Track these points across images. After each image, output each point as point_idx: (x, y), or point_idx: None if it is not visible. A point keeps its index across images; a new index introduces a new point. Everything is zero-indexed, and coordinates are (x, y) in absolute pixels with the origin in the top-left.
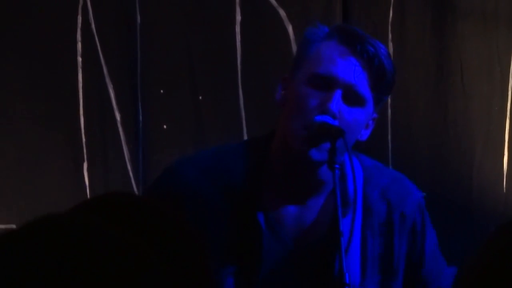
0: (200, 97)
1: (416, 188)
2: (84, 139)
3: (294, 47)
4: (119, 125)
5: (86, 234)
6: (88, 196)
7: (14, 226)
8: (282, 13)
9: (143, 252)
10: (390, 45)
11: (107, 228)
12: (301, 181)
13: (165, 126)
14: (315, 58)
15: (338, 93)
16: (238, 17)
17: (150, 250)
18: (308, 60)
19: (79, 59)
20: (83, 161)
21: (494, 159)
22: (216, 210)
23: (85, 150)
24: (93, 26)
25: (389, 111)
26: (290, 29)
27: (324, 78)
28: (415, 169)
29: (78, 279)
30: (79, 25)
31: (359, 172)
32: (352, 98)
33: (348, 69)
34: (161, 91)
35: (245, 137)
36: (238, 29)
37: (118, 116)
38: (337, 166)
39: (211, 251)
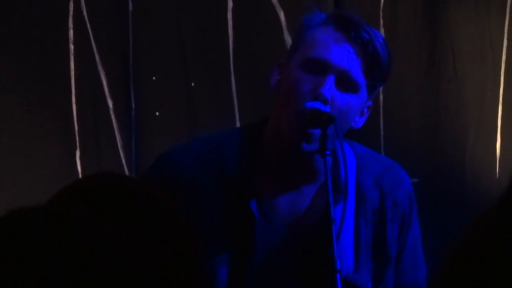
0: (193, 84)
1: (408, 177)
2: (76, 127)
3: (286, 34)
4: (111, 112)
5: (69, 226)
6: None
7: None
8: None
9: (125, 242)
10: (382, 31)
11: (91, 219)
12: (295, 168)
13: (157, 113)
14: (310, 43)
15: (331, 78)
16: (230, 4)
17: (134, 239)
18: (303, 45)
19: (71, 46)
20: (76, 148)
21: (487, 145)
22: (210, 198)
23: (77, 138)
24: (85, 13)
25: (381, 97)
26: (282, 15)
27: (317, 63)
28: (407, 155)
29: (58, 269)
30: (71, 12)
31: (352, 160)
32: (345, 83)
33: (341, 54)
34: (154, 78)
35: (238, 124)
36: (230, 15)
37: (110, 103)
38: (328, 152)
39: (205, 239)
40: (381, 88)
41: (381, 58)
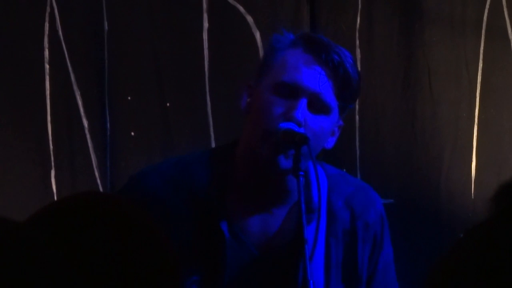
0: (168, 104)
1: (380, 199)
2: (51, 146)
3: (261, 54)
4: (86, 132)
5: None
6: None
7: None
8: (249, 19)
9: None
10: (358, 51)
11: (46, 248)
12: (266, 189)
13: (132, 133)
14: (281, 66)
15: (303, 102)
16: (206, 24)
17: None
18: (273, 68)
19: (47, 66)
20: (51, 168)
21: (462, 166)
22: (180, 219)
23: (52, 157)
24: (60, 33)
25: (357, 117)
26: (257, 35)
27: (289, 87)
28: (383, 176)
29: None
30: (46, 32)
31: (324, 180)
32: (317, 106)
33: (313, 77)
34: (129, 98)
35: (213, 144)
36: (205, 36)
37: (85, 123)
38: (301, 173)
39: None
40: (357, 109)
41: (351, 79)
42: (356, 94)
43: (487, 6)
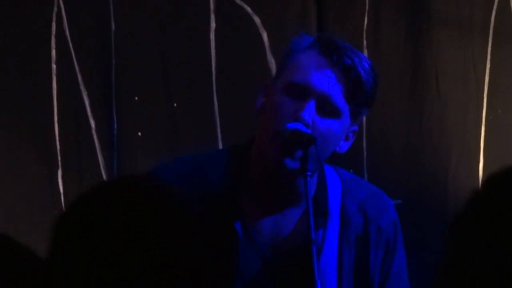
0: (175, 104)
1: (393, 205)
2: (58, 146)
3: (269, 55)
4: (93, 132)
5: None
6: (63, 203)
7: None
8: (257, 20)
9: None
10: (365, 52)
11: None
12: (279, 190)
13: (139, 133)
14: (294, 67)
15: (311, 103)
16: (213, 24)
17: None
18: (287, 69)
19: (54, 66)
20: (58, 168)
21: (469, 166)
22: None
23: (59, 157)
24: (67, 33)
25: (364, 118)
26: (265, 36)
27: (298, 87)
28: (390, 177)
29: None
30: (54, 32)
31: (337, 184)
32: (326, 108)
33: (322, 79)
34: (136, 98)
35: (220, 144)
36: (212, 36)
37: (92, 123)
38: (308, 173)
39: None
40: None
41: (363, 83)
42: (370, 99)
43: (495, 7)
